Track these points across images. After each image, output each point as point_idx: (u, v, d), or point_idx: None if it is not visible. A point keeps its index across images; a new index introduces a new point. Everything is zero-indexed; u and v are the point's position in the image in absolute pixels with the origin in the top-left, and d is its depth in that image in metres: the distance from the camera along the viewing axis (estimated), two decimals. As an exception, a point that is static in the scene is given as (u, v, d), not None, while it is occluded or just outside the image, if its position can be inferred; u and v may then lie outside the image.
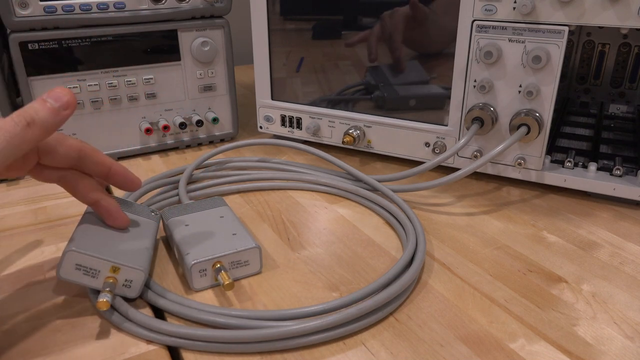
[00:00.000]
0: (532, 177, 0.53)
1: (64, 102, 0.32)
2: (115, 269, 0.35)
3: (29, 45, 0.53)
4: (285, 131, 0.65)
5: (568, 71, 0.72)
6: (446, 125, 0.55)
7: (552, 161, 0.53)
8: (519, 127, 0.49)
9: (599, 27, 0.62)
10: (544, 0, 0.46)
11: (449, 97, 0.54)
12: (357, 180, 0.54)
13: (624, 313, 0.37)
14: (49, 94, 0.32)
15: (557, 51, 0.47)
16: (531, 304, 0.37)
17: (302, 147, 0.56)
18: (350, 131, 0.59)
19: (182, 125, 0.63)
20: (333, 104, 0.61)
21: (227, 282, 0.36)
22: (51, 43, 0.54)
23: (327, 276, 0.41)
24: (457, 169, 0.50)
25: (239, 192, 0.54)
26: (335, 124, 0.61)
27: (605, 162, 0.53)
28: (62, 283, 0.39)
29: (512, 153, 0.52)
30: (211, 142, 0.67)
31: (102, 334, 0.34)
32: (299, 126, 0.64)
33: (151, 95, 0.61)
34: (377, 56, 0.56)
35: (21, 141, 0.30)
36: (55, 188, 0.54)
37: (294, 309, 0.35)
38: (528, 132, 0.49)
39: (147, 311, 0.36)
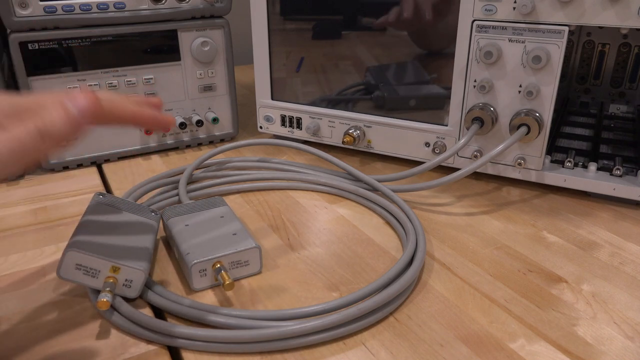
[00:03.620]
0: (532, 177, 0.53)
1: (86, 111, 0.27)
2: (115, 269, 0.35)
3: (29, 45, 0.53)
4: (285, 131, 0.65)
5: (568, 71, 0.72)
6: (446, 125, 0.55)
7: (552, 161, 0.53)
8: (519, 127, 0.49)
9: (599, 27, 0.62)
10: (544, 0, 0.46)
11: (449, 97, 0.54)
12: (357, 180, 0.54)
13: (624, 313, 0.37)
14: (71, 97, 0.27)
15: (557, 51, 0.47)
16: (531, 304, 0.37)
17: (302, 147, 0.56)
18: (350, 131, 0.59)
19: (182, 125, 0.63)
20: (333, 104, 0.61)
21: (227, 282, 0.36)
22: (51, 43, 0.54)
23: (327, 276, 0.41)
24: (457, 169, 0.50)
25: (239, 192, 0.54)
26: (335, 124, 0.61)
27: (605, 162, 0.53)
28: (62, 283, 0.39)
29: (512, 153, 0.52)
30: (211, 142, 0.67)
31: (102, 334, 0.34)
32: (299, 126, 0.64)
33: (151, 95, 0.61)
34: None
35: (31, 153, 0.26)
36: (56, 188, 0.54)
37: (294, 309, 0.35)
38: (528, 132, 0.49)
39: (147, 311, 0.36)
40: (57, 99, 0.27)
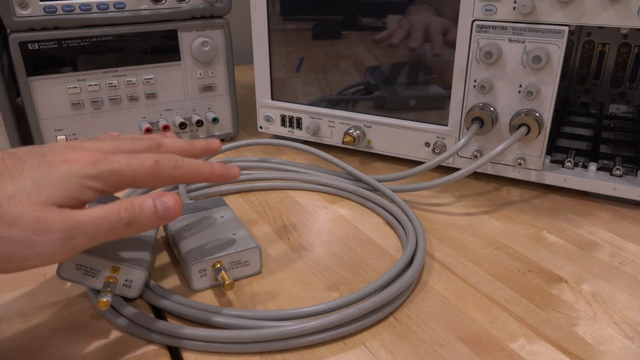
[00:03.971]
0: (532, 177, 0.53)
1: (170, 214, 0.31)
2: (115, 269, 0.35)
3: (29, 45, 0.53)
4: (285, 131, 0.65)
5: (568, 71, 0.72)
6: (446, 125, 0.55)
7: (552, 161, 0.53)
8: (519, 127, 0.49)
9: (599, 27, 0.62)
10: (544, 0, 0.46)
11: (449, 97, 0.54)
12: (357, 180, 0.54)
13: (624, 313, 0.37)
14: (161, 198, 0.31)
15: (557, 51, 0.47)
16: (531, 304, 0.37)
17: (302, 147, 0.56)
18: (350, 131, 0.59)
19: (182, 125, 0.63)
20: (333, 104, 0.61)
21: (227, 282, 0.36)
22: (51, 43, 0.54)
23: (327, 276, 0.41)
24: (457, 169, 0.50)
25: (239, 192, 0.54)
26: (335, 124, 0.61)
27: (605, 162, 0.53)
28: (62, 283, 0.39)
29: (512, 153, 0.52)
30: (211, 142, 0.67)
31: (102, 334, 0.34)
32: (299, 126, 0.64)
33: (151, 95, 0.61)
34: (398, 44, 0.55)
35: (117, 235, 0.30)
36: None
37: (294, 309, 0.35)
38: (528, 132, 0.49)
39: (147, 311, 0.36)
40: (150, 196, 0.31)
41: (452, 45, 0.52)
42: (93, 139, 0.35)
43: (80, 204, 0.29)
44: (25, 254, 0.26)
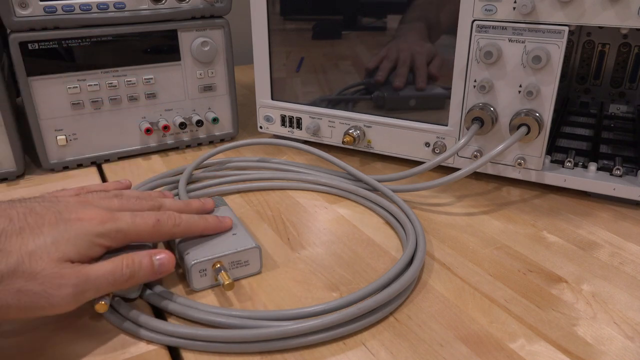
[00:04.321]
0: (532, 177, 0.53)
1: (164, 269, 0.35)
2: (115, 269, 0.35)
3: (29, 45, 0.53)
4: (285, 131, 0.65)
5: (568, 71, 0.72)
6: (446, 125, 0.55)
7: (552, 161, 0.53)
8: (519, 127, 0.49)
9: (599, 27, 0.62)
10: (544, 0, 0.46)
11: (449, 97, 0.54)
12: (357, 180, 0.54)
13: (624, 313, 0.37)
14: (157, 256, 0.35)
15: (557, 51, 0.47)
16: (531, 304, 0.37)
17: (302, 147, 0.56)
18: (350, 131, 0.59)
19: (182, 125, 0.63)
20: (333, 104, 0.61)
21: (227, 282, 0.36)
22: (51, 43, 0.54)
23: (327, 276, 0.41)
24: (457, 169, 0.50)
25: (239, 192, 0.54)
26: (335, 124, 0.61)
27: (605, 162, 0.53)
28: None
29: (512, 153, 0.52)
30: (211, 142, 0.67)
31: (102, 334, 0.34)
32: (299, 126, 0.64)
33: (151, 95, 0.61)
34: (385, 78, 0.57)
35: (118, 287, 0.33)
36: (56, 188, 0.54)
37: (294, 309, 0.35)
38: (528, 132, 0.49)
39: (147, 311, 0.36)
40: (148, 254, 0.35)
41: (436, 76, 0.54)
42: (102, 191, 0.39)
43: (89, 260, 0.33)
44: (40, 305, 0.29)
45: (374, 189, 0.52)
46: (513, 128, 0.50)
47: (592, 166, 0.51)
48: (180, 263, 0.40)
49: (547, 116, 0.49)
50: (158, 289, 0.37)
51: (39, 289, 0.29)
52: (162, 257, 0.35)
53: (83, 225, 0.32)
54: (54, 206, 0.33)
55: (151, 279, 0.35)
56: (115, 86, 0.59)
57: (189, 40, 0.61)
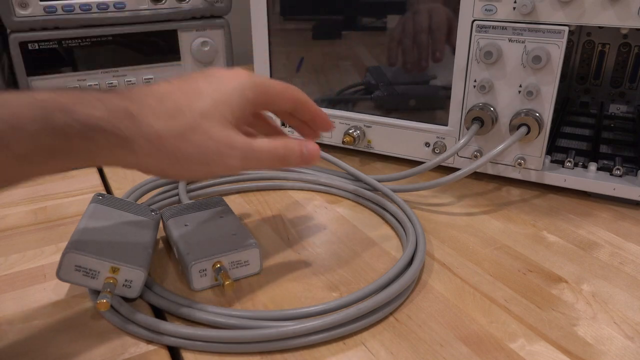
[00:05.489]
0: (532, 177, 0.53)
1: (311, 158, 0.37)
2: (114, 270, 0.35)
3: (29, 45, 0.53)
4: (285, 131, 0.65)
5: (568, 71, 0.72)
6: (446, 125, 0.55)
7: (552, 161, 0.53)
8: (519, 127, 0.49)
9: (599, 27, 0.62)
10: (544, 0, 0.46)
11: (449, 97, 0.54)
12: (357, 180, 0.54)
13: (624, 313, 0.37)
14: (308, 145, 0.37)
15: (557, 51, 0.47)
16: (531, 304, 0.37)
17: (302, 147, 0.56)
18: (350, 131, 0.59)
19: (182, 125, 0.63)
20: (333, 104, 0.61)
21: (227, 282, 0.36)
22: (51, 43, 0.54)
23: (327, 276, 0.41)
24: (457, 169, 0.50)
25: (238, 192, 0.54)
26: (335, 124, 0.61)
27: (605, 162, 0.53)
28: (62, 283, 0.39)
29: (512, 153, 0.52)
30: (211, 142, 0.67)
31: (102, 334, 0.34)
32: (299, 126, 0.64)
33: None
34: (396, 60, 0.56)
35: (271, 166, 0.36)
36: (56, 188, 0.54)
37: (294, 309, 0.35)
38: (528, 132, 0.49)
39: (147, 311, 0.36)
40: (298, 144, 0.36)
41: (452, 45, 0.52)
42: None
43: (243, 124, 0.36)
44: (215, 161, 0.32)
45: (374, 189, 0.52)
46: (513, 128, 0.50)
47: (592, 166, 0.51)
48: (180, 263, 0.40)
49: (547, 116, 0.49)
50: (158, 289, 0.37)
51: (214, 147, 0.32)
52: (311, 146, 0.37)
53: (229, 80, 0.34)
54: (201, 71, 0.35)
55: (299, 165, 0.37)
56: (115, 86, 0.59)
57: (189, 40, 0.61)
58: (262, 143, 0.34)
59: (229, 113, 0.33)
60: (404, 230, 0.45)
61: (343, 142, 0.59)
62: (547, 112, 0.49)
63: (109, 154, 0.30)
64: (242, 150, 0.33)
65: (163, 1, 0.58)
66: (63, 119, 0.27)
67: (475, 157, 0.54)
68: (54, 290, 0.38)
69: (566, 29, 0.46)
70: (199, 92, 0.32)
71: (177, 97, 0.32)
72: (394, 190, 0.52)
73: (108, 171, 0.59)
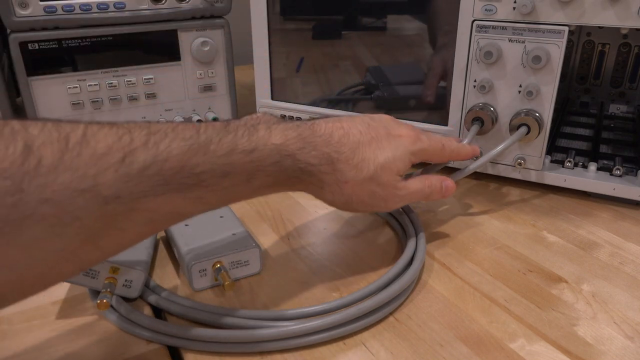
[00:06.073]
0: (532, 177, 0.53)
1: (448, 194, 0.42)
2: (114, 270, 0.35)
3: (29, 45, 0.53)
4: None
5: (568, 71, 0.72)
6: (446, 125, 0.55)
7: (552, 161, 0.53)
8: (519, 127, 0.49)
9: (599, 27, 0.62)
10: (544, 0, 0.46)
11: (449, 97, 0.54)
12: (357, 180, 0.54)
13: (624, 313, 0.37)
14: (446, 180, 0.42)
15: (557, 51, 0.47)
16: (531, 304, 0.37)
17: (302, 147, 0.56)
18: (350, 131, 0.59)
19: (182, 125, 0.63)
20: (333, 104, 0.61)
21: (227, 282, 0.36)
22: (51, 43, 0.54)
23: (327, 276, 0.41)
24: (457, 169, 0.50)
25: (239, 192, 0.54)
26: (335, 124, 0.61)
27: (605, 162, 0.53)
28: (62, 283, 0.39)
29: (512, 153, 0.52)
30: (211, 142, 0.67)
31: (102, 334, 0.34)
32: (299, 126, 0.64)
33: (151, 95, 0.61)
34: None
35: (421, 199, 0.42)
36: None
37: (294, 309, 0.35)
38: (528, 132, 0.49)
39: (147, 311, 0.36)
40: (439, 181, 0.42)
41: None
42: None
43: (402, 173, 0.40)
44: (381, 205, 0.39)
45: (374, 189, 0.52)
46: (513, 128, 0.50)
47: (592, 166, 0.51)
48: (180, 263, 0.40)
49: (547, 116, 0.49)
50: (158, 289, 0.37)
51: (383, 194, 0.38)
52: (448, 182, 0.42)
53: (403, 141, 0.39)
54: (380, 121, 0.40)
55: (437, 198, 0.42)
56: (115, 86, 0.59)
57: (189, 40, 0.61)
58: (414, 185, 0.40)
59: (398, 168, 0.38)
60: (404, 230, 0.45)
61: (343, 142, 0.59)
62: (547, 112, 0.49)
63: (304, 188, 0.37)
64: (403, 195, 0.39)
65: (163, 1, 0.58)
66: (290, 165, 0.34)
67: (475, 157, 0.54)
68: (54, 290, 0.38)
69: (566, 29, 0.46)
70: (382, 148, 0.38)
71: (365, 150, 0.37)
72: (394, 190, 0.51)
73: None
